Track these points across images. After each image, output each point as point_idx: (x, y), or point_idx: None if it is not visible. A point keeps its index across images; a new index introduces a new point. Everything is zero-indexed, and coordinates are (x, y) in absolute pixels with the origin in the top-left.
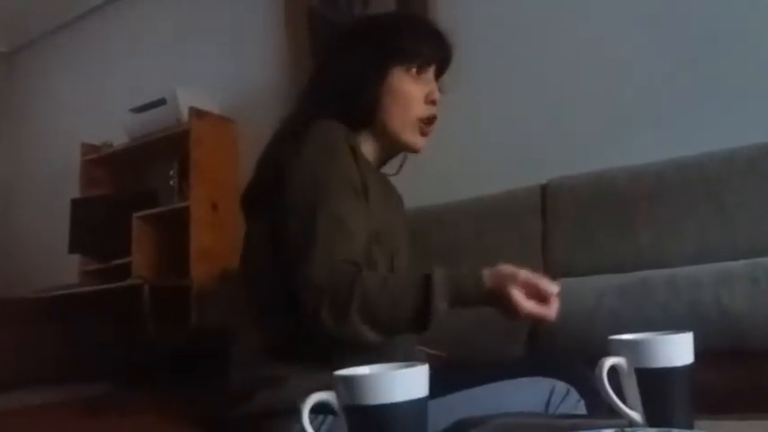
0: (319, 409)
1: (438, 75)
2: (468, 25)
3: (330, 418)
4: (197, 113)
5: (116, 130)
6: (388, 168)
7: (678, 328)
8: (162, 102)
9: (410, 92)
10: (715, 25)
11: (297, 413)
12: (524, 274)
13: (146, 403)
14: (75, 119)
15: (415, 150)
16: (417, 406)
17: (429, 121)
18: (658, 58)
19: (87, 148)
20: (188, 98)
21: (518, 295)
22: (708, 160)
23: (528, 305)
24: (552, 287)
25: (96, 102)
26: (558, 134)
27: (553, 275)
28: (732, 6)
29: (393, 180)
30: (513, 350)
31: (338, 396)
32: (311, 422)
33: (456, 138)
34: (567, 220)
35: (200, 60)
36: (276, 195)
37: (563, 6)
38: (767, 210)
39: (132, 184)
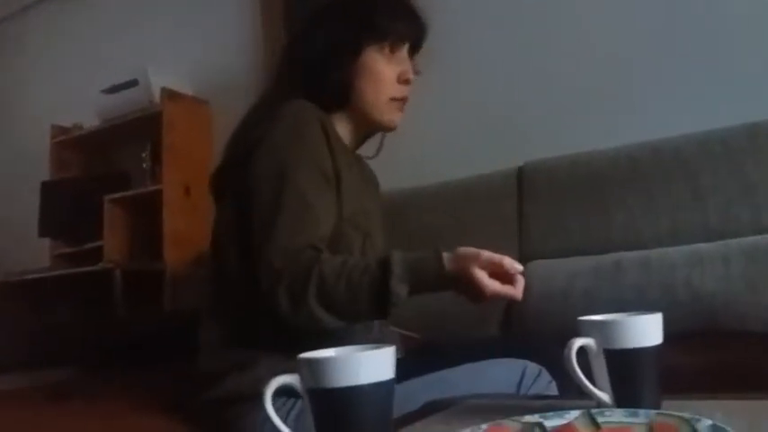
0: (290, 392)
1: (412, 53)
2: (445, 6)
3: (299, 402)
4: (169, 95)
5: (87, 112)
6: (366, 150)
7: (651, 308)
8: (134, 83)
9: (383, 72)
10: (691, 8)
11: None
12: (486, 254)
13: (115, 388)
14: (44, 100)
15: (390, 128)
16: (383, 388)
17: (402, 100)
18: (634, 41)
19: (57, 130)
20: (160, 79)
21: (481, 275)
22: (683, 143)
23: (493, 285)
24: (517, 265)
25: (66, 82)
26: (535, 117)
27: (529, 257)
28: None
29: (370, 162)
30: (486, 331)
31: (302, 379)
32: (282, 406)
33: (432, 120)
34: (543, 202)
35: (174, 41)
36: (244, 178)
37: None
38: (740, 192)
39: (103, 166)
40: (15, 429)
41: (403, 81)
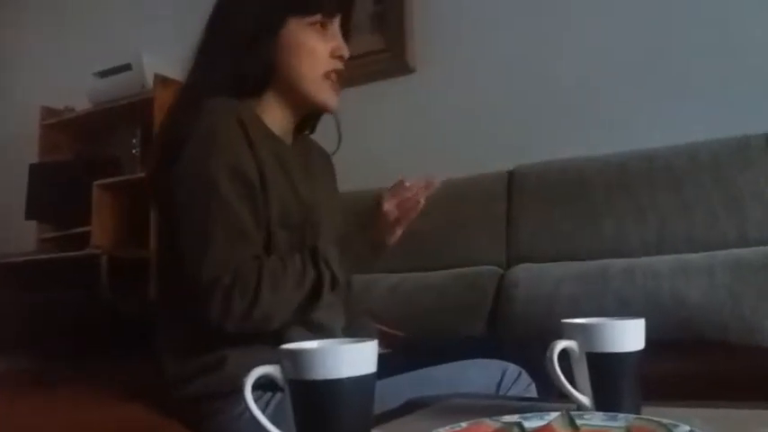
0: (263, 386)
1: (344, 24)
2: (438, 8)
3: (277, 396)
4: (162, 81)
5: (78, 95)
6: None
7: (634, 316)
8: (127, 67)
9: (316, 47)
10: (686, 18)
11: (240, 392)
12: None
13: (99, 376)
14: (35, 81)
15: (328, 110)
16: (364, 382)
17: (337, 75)
18: (629, 50)
19: (47, 112)
20: (154, 64)
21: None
22: (673, 153)
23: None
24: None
25: (58, 64)
26: (527, 121)
27: (516, 261)
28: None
29: (363, 162)
30: (471, 331)
31: (283, 370)
32: (258, 399)
33: (425, 120)
34: (532, 206)
35: (168, 26)
36: (168, 191)
37: None
38: (727, 205)
39: (93, 150)
40: None
41: (337, 57)
